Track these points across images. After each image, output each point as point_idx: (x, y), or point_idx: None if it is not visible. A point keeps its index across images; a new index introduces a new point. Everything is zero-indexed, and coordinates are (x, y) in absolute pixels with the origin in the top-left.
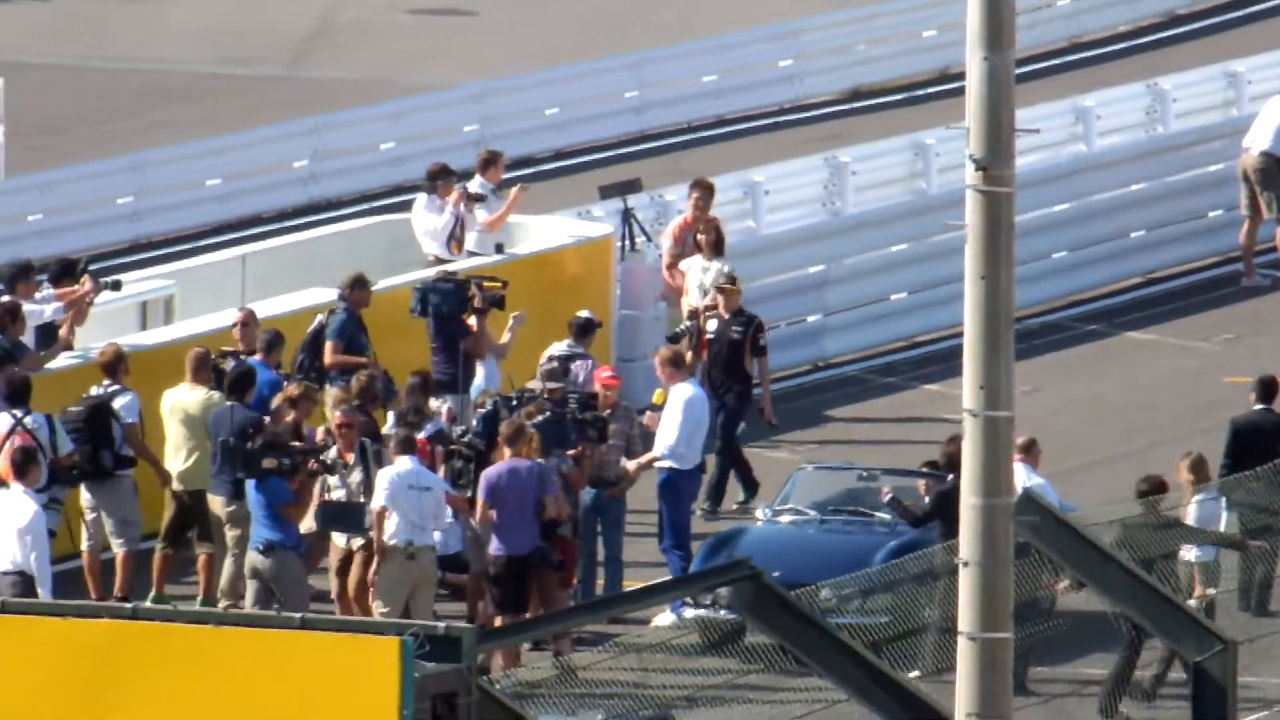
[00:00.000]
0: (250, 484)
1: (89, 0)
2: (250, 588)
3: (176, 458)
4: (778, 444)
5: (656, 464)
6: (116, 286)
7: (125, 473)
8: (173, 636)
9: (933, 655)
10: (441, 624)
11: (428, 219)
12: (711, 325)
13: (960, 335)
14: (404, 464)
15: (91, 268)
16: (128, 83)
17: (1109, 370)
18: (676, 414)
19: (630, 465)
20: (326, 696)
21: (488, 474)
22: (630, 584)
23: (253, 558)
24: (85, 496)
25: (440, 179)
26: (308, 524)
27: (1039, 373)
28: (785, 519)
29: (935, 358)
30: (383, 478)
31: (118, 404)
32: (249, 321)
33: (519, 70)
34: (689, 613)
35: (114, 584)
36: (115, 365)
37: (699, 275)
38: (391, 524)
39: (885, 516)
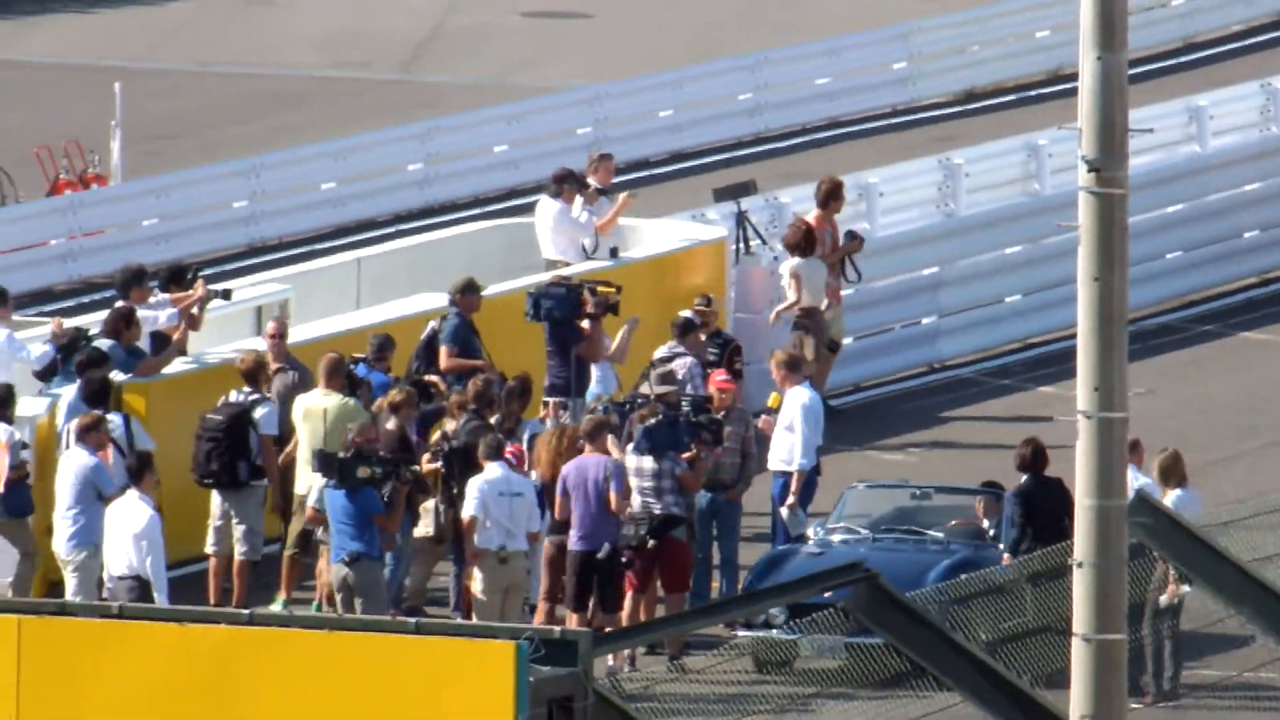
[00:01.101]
0: (336, 494)
1: (205, 5)
2: (339, 598)
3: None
4: (894, 447)
5: (777, 469)
6: (226, 295)
7: (259, 483)
8: (289, 642)
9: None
10: (557, 628)
11: (553, 222)
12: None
13: (1074, 337)
14: (494, 471)
15: (203, 273)
16: (244, 87)
17: (1223, 371)
18: (798, 416)
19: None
20: (442, 701)
21: (563, 470)
22: None
23: (338, 569)
24: (216, 502)
25: (566, 183)
26: (424, 529)
27: (1153, 374)
28: (837, 538)
29: (1050, 359)
30: (473, 486)
31: (257, 414)
32: (279, 334)
33: (633, 73)
34: (742, 634)
35: (233, 591)
36: (256, 373)
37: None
38: (483, 529)
39: (938, 535)
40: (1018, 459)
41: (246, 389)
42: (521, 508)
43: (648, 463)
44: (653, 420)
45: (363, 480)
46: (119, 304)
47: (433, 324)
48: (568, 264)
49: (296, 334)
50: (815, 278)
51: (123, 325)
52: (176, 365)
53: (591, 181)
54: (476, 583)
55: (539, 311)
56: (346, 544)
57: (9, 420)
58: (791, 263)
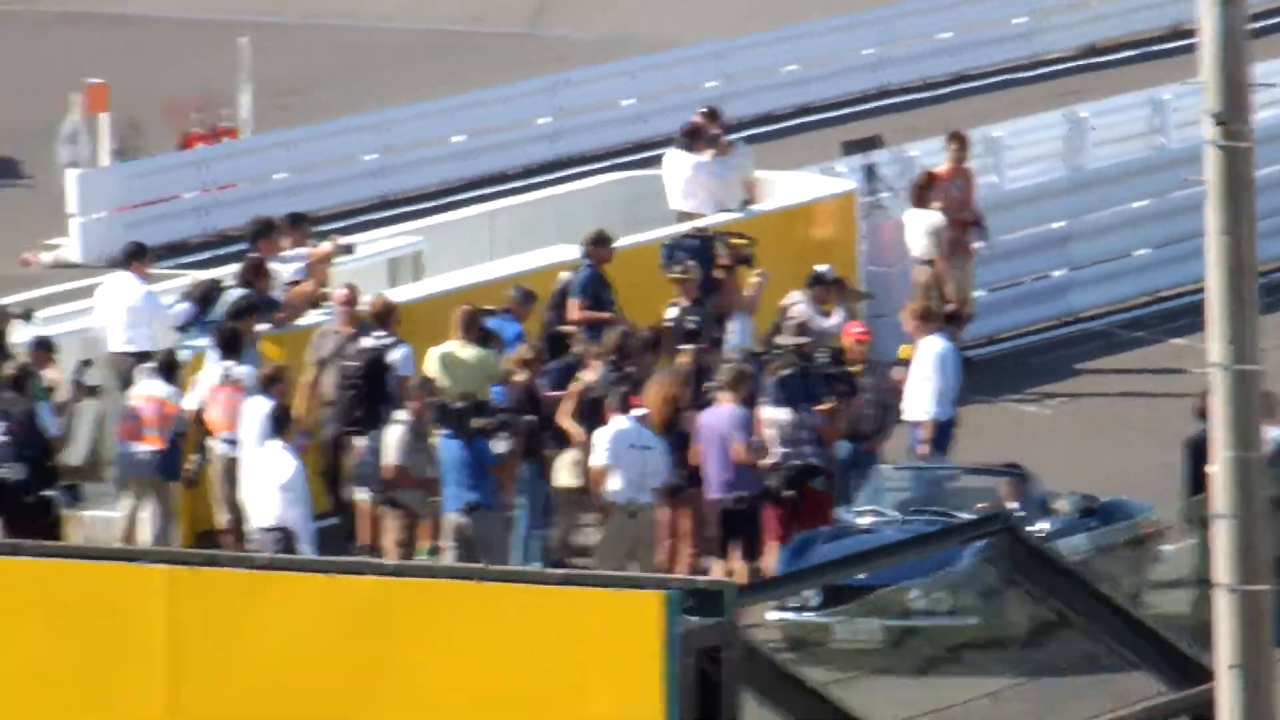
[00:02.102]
0: (453, 443)
1: None
2: (450, 550)
3: None
4: (1029, 399)
5: (913, 419)
6: (349, 250)
7: None
8: (436, 592)
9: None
10: (704, 578)
11: (686, 174)
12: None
13: (1204, 290)
14: (622, 423)
15: (331, 228)
16: (374, 40)
17: None
18: (930, 366)
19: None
20: (589, 651)
21: (699, 419)
22: None
23: (453, 518)
24: (359, 448)
25: (697, 136)
26: (568, 480)
27: None
28: (866, 520)
29: (1181, 312)
30: (602, 437)
31: (394, 356)
32: (350, 301)
33: (758, 27)
34: (772, 615)
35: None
36: (387, 316)
37: (920, 225)
38: (613, 482)
39: (967, 516)
40: (1196, 408)
41: (379, 332)
42: (652, 461)
43: (783, 414)
44: (785, 371)
45: (476, 431)
46: (250, 255)
47: (565, 276)
48: (700, 215)
49: (429, 286)
50: (923, 228)
51: (254, 276)
52: (310, 317)
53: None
54: (604, 536)
55: (672, 263)
56: (463, 494)
57: (175, 382)
58: (909, 214)
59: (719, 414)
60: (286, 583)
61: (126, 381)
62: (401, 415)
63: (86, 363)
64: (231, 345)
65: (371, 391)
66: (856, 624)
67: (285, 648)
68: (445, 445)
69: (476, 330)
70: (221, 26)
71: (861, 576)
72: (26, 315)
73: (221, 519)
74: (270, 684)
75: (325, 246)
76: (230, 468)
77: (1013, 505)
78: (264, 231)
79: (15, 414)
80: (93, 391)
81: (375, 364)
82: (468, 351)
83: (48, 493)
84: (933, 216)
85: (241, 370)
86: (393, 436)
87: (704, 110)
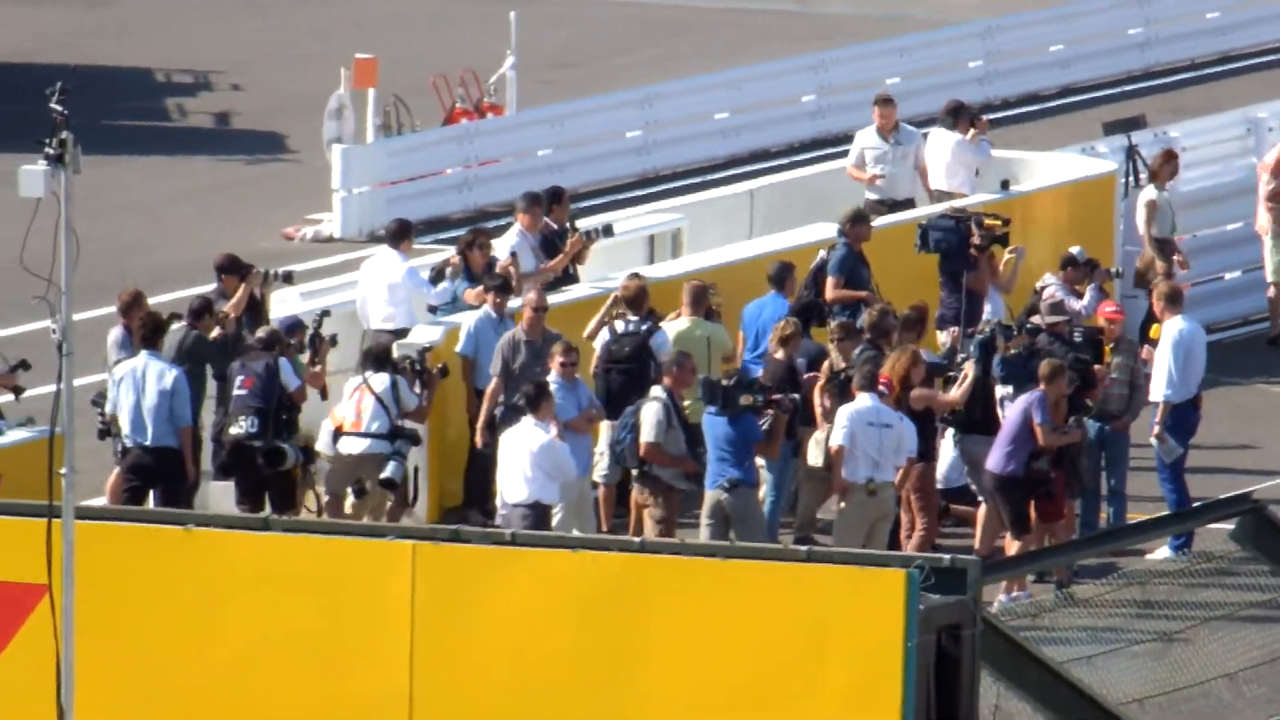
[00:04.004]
0: (719, 420)
1: None
2: (706, 526)
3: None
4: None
5: (1154, 400)
6: (609, 232)
7: None
8: (681, 569)
9: None
10: (946, 556)
11: (948, 153)
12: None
13: None
14: (864, 401)
15: (578, 222)
16: (639, 16)
17: None
18: (1167, 349)
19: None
20: (832, 627)
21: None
22: (1133, 517)
23: (715, 494)
24: (609, 430)
25: (959, 114)
26: (814, 459)
27: None
28: None
29: None
30: (842, 415)
31: (655, 341)
32: (541, 307)
33: (1025, 6)
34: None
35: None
36: (639, 299)
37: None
38: (851, 460)
39: None
40: None
41: (632, 316)
42: (890, 439)
43: (1007, 392)
44: (1013, 351)
45: (744, 408)
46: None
47: (822, 253)
48: (960, 194)
49: (689, 264)
50: (1167, 209)
51: (466, 248)
52: (574, 292)
53: (876, 123)
54: (843, 514)
55: (927, 243)
56: (726, 470)
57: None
58: (1147, 191)
59: (1025, 397)
60: (532, 559)
61: (381, 358)
62: (657, 392)
63: (325, 313)
64: (380, 362)
65: (640, 375)
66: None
67: (527, 622)
68: (711, 422)
69: (704, 305)
70: (490, 1)
71: None
72: (288, 277)
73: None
74: (512, 658)
75: (576, 238)
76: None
77: None
78: (530, 205)
79: (255, 368)
80: (333, 341)
81: (642, 348)
82: (699, 328)
83: (280, 444)
84: (1168, 196)
85: (379, 378)
86: (648, 414)
87: (882, 98)
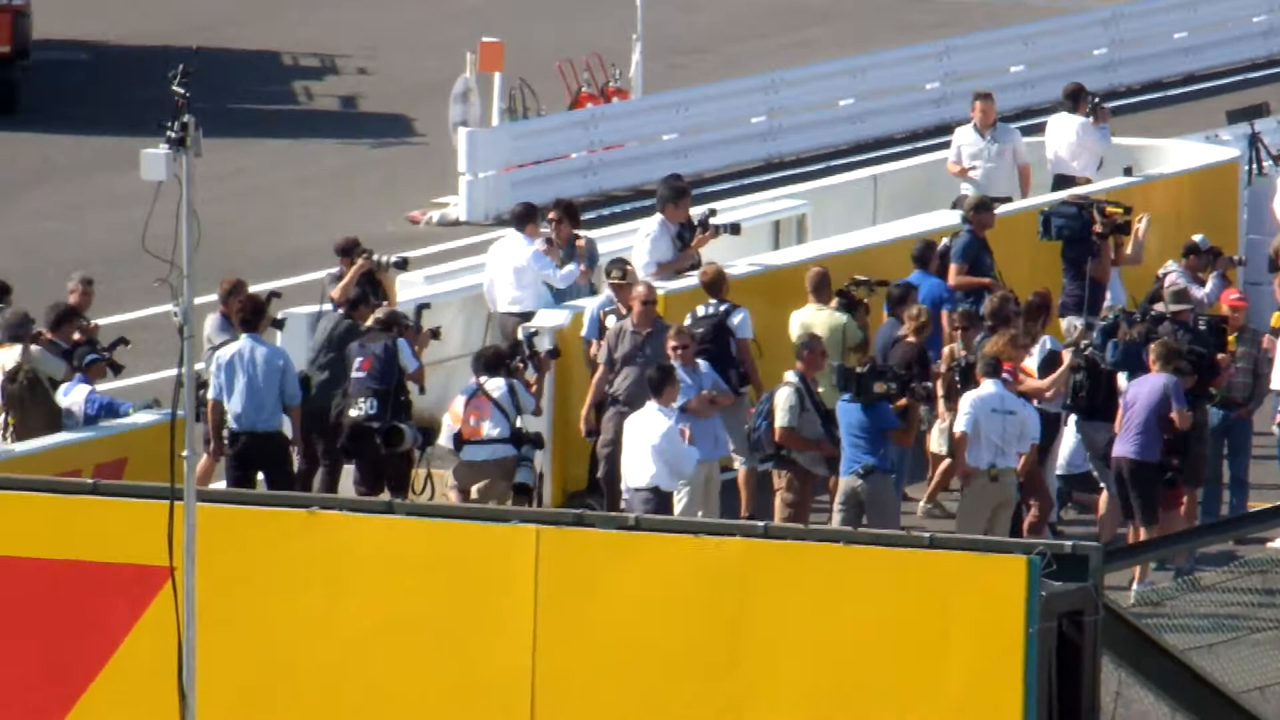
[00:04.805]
0: (853, 406)
1: None
2: (838, 512)
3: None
4: None
5: (1275, 388)
6: (735, 230)
7: (744, 390)
8: (804, 555)
9: None
10: (1068, 542)
11: (1074, 137)
12: None
13: None
14: (988, 387)
15: (713, 220)
16: (765, 2)
17: None
18: None
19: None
20: (954, 613)
21: (1128, 386)
22: (1255, 505)
23: (849, 481)
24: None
25: (1080, 98)
26: (936, 446)
27: None
28: None
29: None
30: (965, 402)
31: (733, 321)
32: (649, 300)
33: None
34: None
35: (739, 503)
36: (718, 283)
37: None
38: (975, 447)
39: None
40: None
41: (712, 301)
42: (1013, 425)
43: (1121, 378)
44: (1129, 338)
45: (879, 395)
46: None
47: (945, 240)
48: (1085, 179)
49: (811, 250)
50: None
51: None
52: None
53: (974, 120)
54: (966, 500)
55: (1050, 230)
56: (860, 457)
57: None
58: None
59: (1147, 381)
60: (655, 543)
61: (494, 362)
62: (789, 377)
63: (424, 305)
64: (493, 366)
65: (720, 356)
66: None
67: (650, 606)
68: (845, 409)
69: (828, 293)
70: None
71: None
72: (402, 264)
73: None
74: (633, 642)
75: (709, 233)
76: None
77: None
78: (676, 196)
79: (374, 349)
80: (434, 334)
81: (719, 329)
82: (821, 315)
83: (399, 424)
84: None
85: (495, 383)
86: (782, 399)
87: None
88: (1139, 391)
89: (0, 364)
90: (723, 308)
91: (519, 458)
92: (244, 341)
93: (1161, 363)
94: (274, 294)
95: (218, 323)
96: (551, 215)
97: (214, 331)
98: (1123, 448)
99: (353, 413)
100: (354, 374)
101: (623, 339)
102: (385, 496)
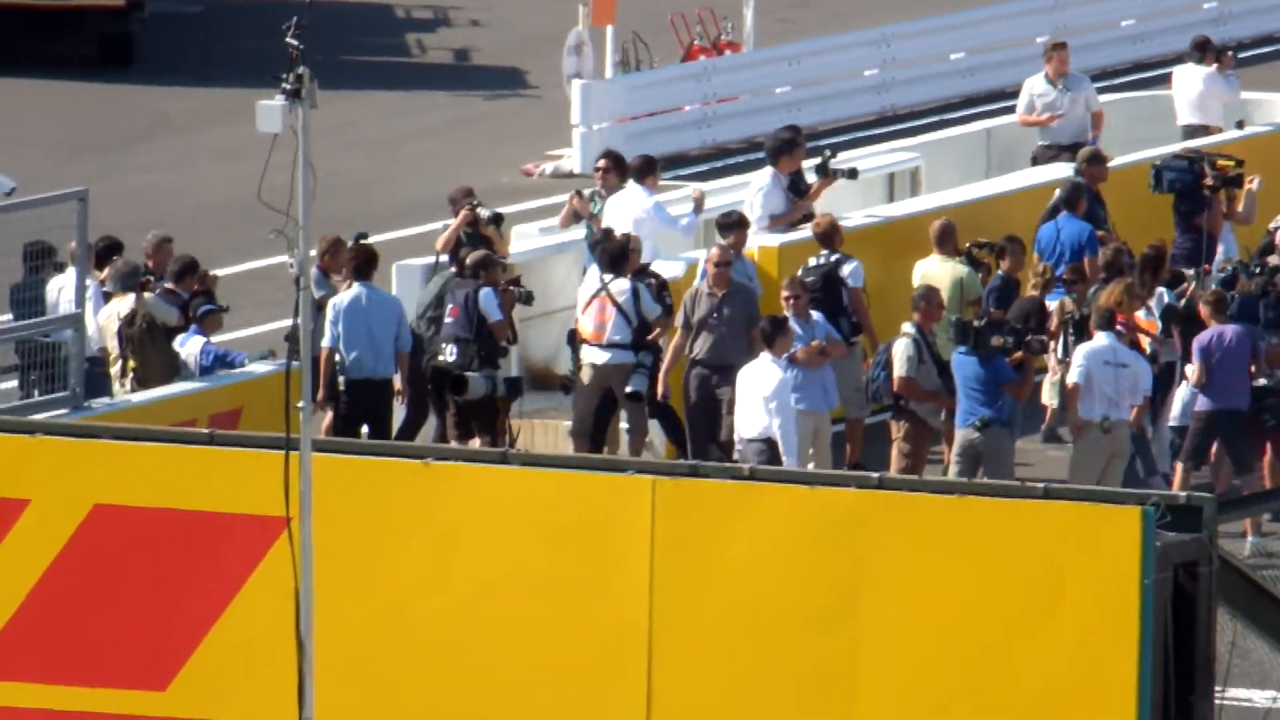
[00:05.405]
0: (970, 359)
1: None
2: (955, 463)
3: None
4: None
5: None
6: (853, 175)
7: (856, 340)
8: (918, 506)
9: None
10: (1183, 493)
11: (1201, 86)
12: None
13: None
14: (1101, 340)
15: (832, 164)
16: None
17: None
18: None
19: None
20: (1068, 565)
21: (1199, 338)
22: None
23: (966, 433)
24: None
25: (1207, 49)
26: (1048, 399)
27: None
28: None
29: None
30: (1079, 354)
31: (845, 271)
32: (723, 262)
33: None
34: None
35: (845, 452)
36: (831, 235)
37: None
38: (1088, 399)
39: None
40: None
41: (824, 251)
42: (1126, 378)
43: (1230, 331)
44: (1249, 291)
45: (996, 349)
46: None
47: (1058, 193)
48: (1216, 128)
49: (927, 202)
50: None
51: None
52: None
53: (1046, 70)
54: (1078, 452)
55: (1161, 183)
56: (977, 409)
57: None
58: None
59: (1223, 333)
60: (769, 494)
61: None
62: (907, 328)
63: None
64: (616, 262)
65: (830, 304)
66: None
67: (764, 557)
68: (961, 361)
69: (952, 244)
70: None
71: None
72: (496, 219)
73: (578, 429)
74: (748, 593)
75: (827, 179)
76: (601, 375)
77: None
78: (786, 148)
79: (459, 297)
80: (525, 299)
81: (830, 279)
82: (945, 267)
83: (466, 374)
84: None
85: (619, 285)
86: (900, 350)
87: (1054, 43)
88: (1215, 344)
89: (116, 310)
90: (834, 258)
91: (636, 364)
92: (358, 289)
93: (1217, 314)
94: (362, 235)
95: (315, 278)
96: (600, 164)
97: (312, 286)
98: (1213, 400)
99: (440, 359)
100: (445, 320)
101: (699, 301)
102: (478, 445)
